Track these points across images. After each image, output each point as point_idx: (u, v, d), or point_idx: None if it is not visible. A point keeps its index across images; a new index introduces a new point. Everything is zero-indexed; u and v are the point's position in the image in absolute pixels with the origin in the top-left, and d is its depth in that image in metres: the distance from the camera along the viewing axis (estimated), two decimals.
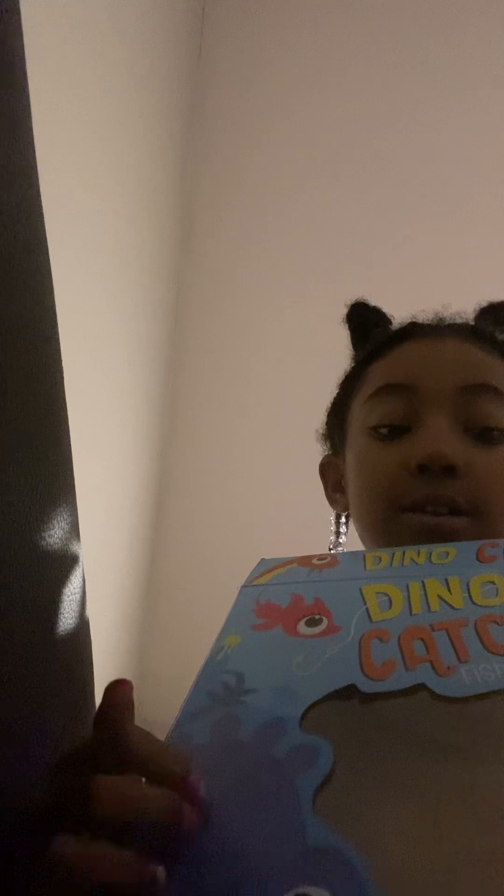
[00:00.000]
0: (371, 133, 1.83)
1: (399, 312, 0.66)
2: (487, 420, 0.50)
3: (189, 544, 2.39)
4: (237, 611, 0.38)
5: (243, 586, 0.41)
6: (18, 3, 0.29)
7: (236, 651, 0.34)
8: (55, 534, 0.37)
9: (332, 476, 0.63)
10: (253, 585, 0.40)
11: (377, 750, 0.27)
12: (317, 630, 0.34)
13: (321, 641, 0.33)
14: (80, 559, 0.43)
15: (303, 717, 0.29)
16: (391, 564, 0.39)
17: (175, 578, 2.48)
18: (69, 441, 0.39)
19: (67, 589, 0.39)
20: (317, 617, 0.35)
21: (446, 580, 0.36)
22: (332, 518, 0.63)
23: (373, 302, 0.68)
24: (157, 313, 1.72)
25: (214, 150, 1.89)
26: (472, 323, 0.61)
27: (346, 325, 0.68)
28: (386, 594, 0.36)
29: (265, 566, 0.43)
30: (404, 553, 0.40)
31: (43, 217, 0.34)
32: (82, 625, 0.43)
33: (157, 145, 1.50)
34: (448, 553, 0.39)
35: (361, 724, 0.29)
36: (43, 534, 0.35)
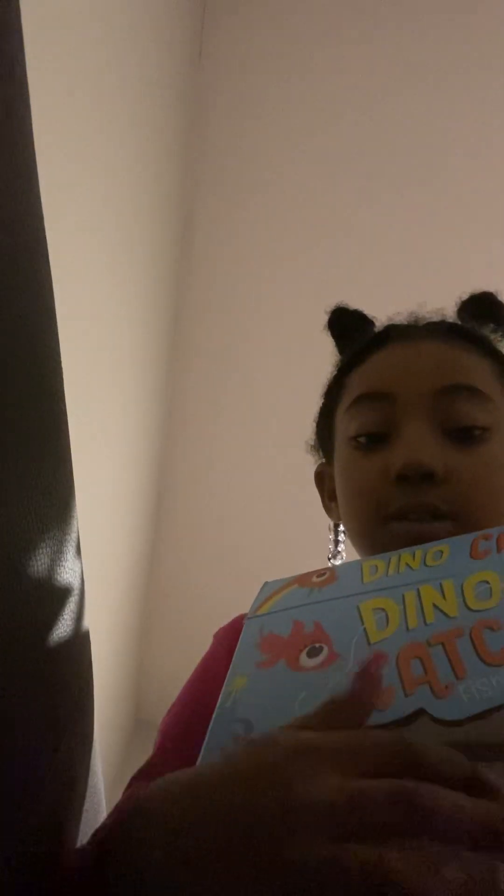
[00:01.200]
0: (372, 136, 1.83)
1: (402, 310, 0.65)
2: (466, 420, 0.49)
3: (189, 545, 2.39)
4: (243, 647, 0.39)
5: (248, 617, 0.42)
6: (18, 2, 0.29)
7: (243, 695, 0.35)
8: (54, 535, 0.37)
9: (327, 485, 0.63)
10: (257, 616, 0.41)
11: None
12: (318, 661, 0.35)
13: (323, 674, 0.34)
14: (80, 560, 0.42)
15: None
16: (387, 573, 0.40)
17: (175, 578, 2.48)
18: (69, 443, 0.39)
19: (67, 591, 0.39)
20: (317, 646, 0.36)
21: (441, 585, 0.36)
22: (330, 527, 0.63)
23: (363, 304, 0.68)
24: (157, 314, 1.72)
25: (214, 152, 1.89)
26: (452, 319, 0.61)
27: (329, 333, 0.67)
28: (383, 610, 0.36)
29: (268, 590, 0.44)
30: (399, 558, 0.41)
31: (43, 219, 0.34)
32: (81, 625, 0.43)
33: (158, 147, 1.50)
34: (442, 552, 0.39)
35: None
36: (42, 535, 0.35)
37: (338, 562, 0.63)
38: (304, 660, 0.35)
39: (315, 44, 1.77)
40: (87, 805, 0.46)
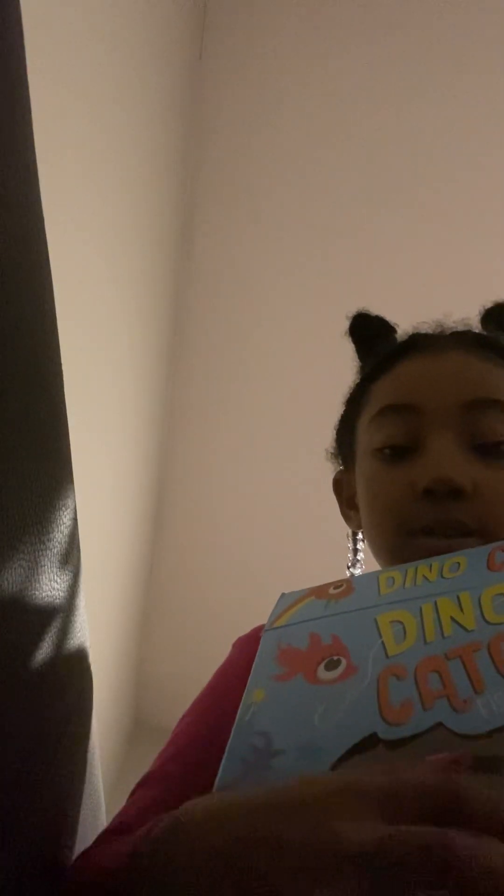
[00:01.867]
0: (372, 139, 1.83)
1: (401, 320, 0.65)
2: (494, 436, 0.49)
3: (189, 548, 2.39)
4: (262, 659, 0.39)
5: (265, 630, 0.42)
6: (19, 3, 0.29)
7: (262, 708, 0.35)
8: (54, 538, 0.37)
9: (345, 492, 0.62)
10: (274, 629, 0.42)
11: None
12: (336, 674, 0.35)
13: (341, 687, 0.34)
14: (80, 563, 0.43)
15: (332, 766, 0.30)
16: (404, 585, 0.40)
17: (174, 580, 2.48)
18: (69, 445, 0.39)
19: (66, 596, 0.39)
20: (335, 658, 0.36)
21: (458, 598, 0.36)
22: (349, 535, 0.63)
23: (376, 310, 0.67)
24: (157, 318, 1.72)
25: (214, 157, 1.89)
26: (476, 329, 0.60)
27: (350, 339, 0.67)
28: (400, 622, 0.36)
29: (285, 602, 0.44)
30: (416, 570, 0.40)
31: (43, 221, 0.34)
32: (80, 628, 0.43)
33: (157, 151, 1.50)
34: (459, 564, 0.39)
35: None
36: (42, 537, 0.35)
37: (357, 571, 0.63)
38: (322, 673, 0.36)
39: (315, 48, 1.78)
40: (86, 806, 0.46)
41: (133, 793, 0.48)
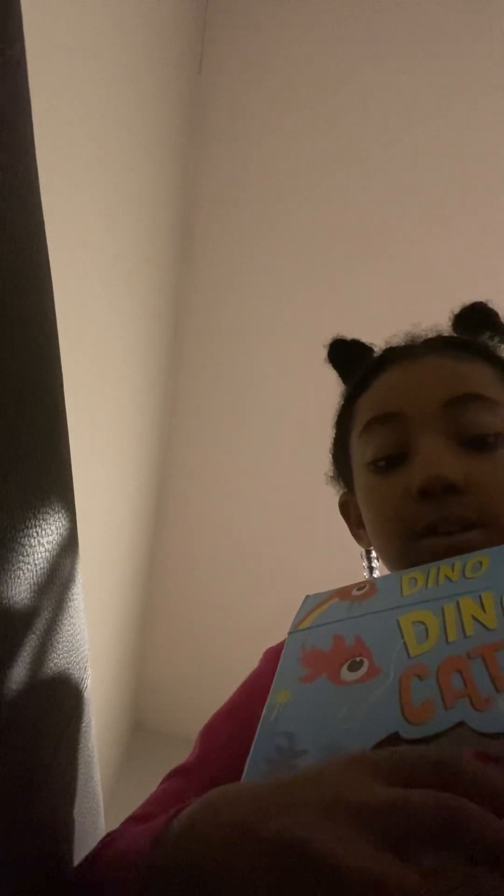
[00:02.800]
0: (371, 146, 1.84)
1: (403, 322, 0.65)
2: (478, 428, 0.50)
3: (189, 551, 2.39)
4: (286, 661, 0.40)
5: (290, 632, 0.43)
6: (20, 10, 0.30)
7: (286, 709, 0.36)
8: (53, 543, 0.37)
9: (352, 513, 0.63)
10: (298, 631, 0.42)
11: None
12: (359, 675, 0.35)
13: (363, 687, 0.34)
14: (78, 569, 0.43)
15: None
16: (426, 585, 0.40)
17: (174, 584, 2.48)
18: (68, 447, 0.39)
19: (65, 598, 0.39)
20: (358, 660, 0.36)
21: (480, 597, 0.36)
22: (363, 554, 0.64)
23: (365, 319, 0.68)
24: (156, 322, 1.72)
25: (214, 166, 1.90)
26: (448, 333, 0.61)
27: (330, 365, 0.67)
28: (422, 623, 0.37)
29: (310, 604, 0.45)
30: (439, 570, 0.41)
31: (44, 226, 0.34)
32: (79, 634, 0.43)
33: (157, 160, 1.51)
34: (481, 563, 0.39)
35: None
36: (41, 539, 0.35)
37: None
38: (345, 674, 0.36)
39: (316, 58, 1.78)
40: (85, 810, 0.46)
41: (160, 784, 0.49)
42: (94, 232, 1.15)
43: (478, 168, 1.80)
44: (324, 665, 0.37)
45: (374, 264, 1.92)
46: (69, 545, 0.40)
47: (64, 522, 0.38)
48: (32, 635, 0.35)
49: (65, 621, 0.40)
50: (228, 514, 2.28)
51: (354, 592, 0.43)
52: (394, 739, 0.30)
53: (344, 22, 1.74)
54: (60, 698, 0.40)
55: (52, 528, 0.36)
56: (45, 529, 0.35)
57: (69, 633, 0.41)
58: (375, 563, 0.62)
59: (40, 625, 0.36)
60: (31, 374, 0.33)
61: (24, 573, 0.33)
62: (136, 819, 0.43)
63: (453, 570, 0.40)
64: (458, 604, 0.37)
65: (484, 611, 0.35)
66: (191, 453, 2.24)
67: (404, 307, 0.68)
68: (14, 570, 0.32)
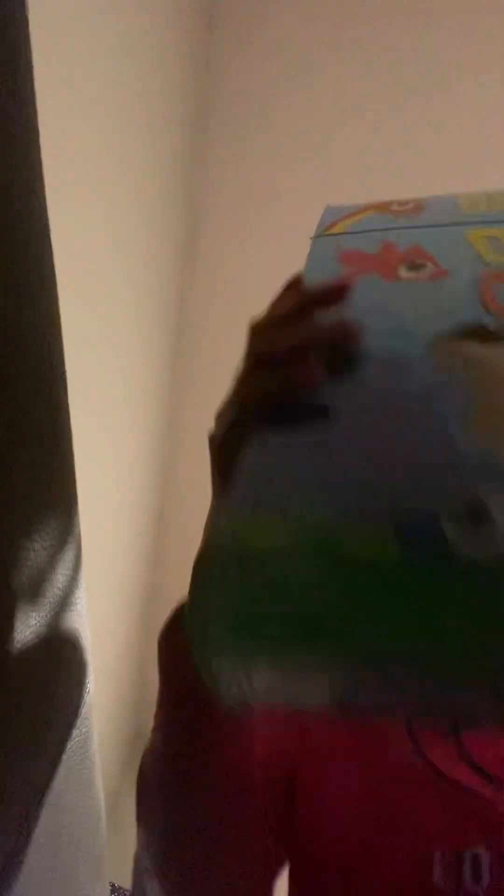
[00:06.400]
0: (376, 144, 1.84)
1: None
2: None
3: (192, 549, 2.37)
4: (315, 262, 0.32)
5: (316, 236, 0.34)
6: (27, 10, 0.30)
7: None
8: (55, 536, 0.36)
9: None
10: (328, 235, 0.33)
11: None
12: (422, 274, 0.29)
13: (431, 285, 0.28)
14: (81, 562, 0.42)
15: (429, 352, 0.25)
16: (490, 207, 0.33)
17: (177, 588, 2.46)
18: (71, 445, 0.39)
19: (67, 593, 0.39)
20: (419, 262, 0.30)
21: None
22: None
23: None
24: (161, 313, 1.73)
25: (220, 165, 1.91)
26: None
27: None
28: (498, 239, 0.30)
29: (334, 214, 0.36)
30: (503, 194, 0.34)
31: (48, 221, 0.34)
32: (81, 627, 0.43)
33: (163, 159, 1.52)
34: None
35: (498, 363, 0.24)
36: (43, 534, 0.35)
37: None
38: (403, 272, 0.29)
39: (322, 56, 1.79)
40: (87, 817, 0.45)
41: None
42: (98, 230, 1.16)
43: (490, 170, 1.81)
44: (372, 264, 0.30)
45: None
46: (71, 542, 0.39)
47: (66, 518, 0.38)
48: (33, 642, 0.34)
49: (67, 626, 0.39)
50: None
51: (395, 207, 0.35)
52: (478, 331, 0.25)
53: (351, 21, 1.75)
54: (63, 705, 0.39)
55: (54, 524, 0.36)
56: (47, 525, 0.35)
57: (72, 638, 0.40)
58: None
59: (41, 631, 0.35)
60: (32, 373, 0.32)
61: (25, 570, 0.33)
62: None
63: None
64: None
65: None
66: (197, 442, 2.23)
67: None
68: (15, 567, 0.31)
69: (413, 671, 0.20)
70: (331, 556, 0.21)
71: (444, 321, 0.26)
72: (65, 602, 0.39)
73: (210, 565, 0.23)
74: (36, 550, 0.34)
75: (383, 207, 0.35)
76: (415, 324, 0.26)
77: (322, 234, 0.34)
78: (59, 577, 0.37)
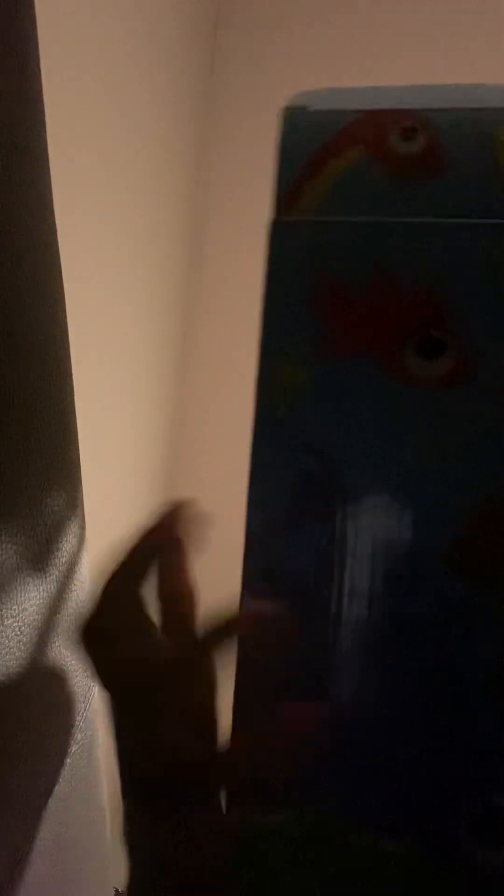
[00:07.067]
0: None
1: None
2: None
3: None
4: (273, 294, 0.22)
5: (271, 221, 0.23)
6: (34, 14, 0.30)
7: (306, 404, 0.21)
8: (62, 546, 0.36)
9: None
10: (293, 223, 0.22)
11: None
12: (446, 365, 0.20)
13: (453, 393, 0.20)
14: (86, 569, 0.42)
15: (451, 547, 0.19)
16: None
17: None
18: (77, 451, 0.39)
19: (72, 600, 0.39)
20: (434, 335, 0.20)
21: None
22: None
23: None
24: (166, 316, 1.73)
25: (225, 166, 1.91)
26: None
27: None
28: None
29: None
30: None
31: (55, 224, 0.34)
32: None
33: (169, 162, 1.52)
34: None
35: None
36: (50, 546, 0.35)
37: None
38: (411, 363, 0.20)
39: (328, 59, 1.79)
40: (90, 818, 0.45)
41: None
42: (103, 232, 1.16)
43: None
44: (364, 330, 0.20)
45: None
46: (78, 549, 0.39)
47: (73, 525, 0.38)
48: (41, 643, 0.34)
49: (72, 622, 0.39)
50: (238, 513, 2.27)
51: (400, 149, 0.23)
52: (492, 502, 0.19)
53: (357, 23, 1.75)
54: (67, 706, 0.39)
55: (61, 532, 0.36)
56: (54, 533, 0.35)
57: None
58: None
59: (48, 630, 0.35)
60: (39, 377, 0.32)
61: (31, 578, 0.32)
62: None
63: None
64: None
65: None
66: (203, 451, 2.23)
67: None
68: (19, 574, 0.31)
69: None
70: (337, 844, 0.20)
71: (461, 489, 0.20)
72: (69, 601, 0.38)
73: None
74: (38, 546, 0.34)
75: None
76: (420, 484, 0.20)
77: (283, 219, 0.23)
78: (64, 574, 0.37)
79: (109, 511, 1.50)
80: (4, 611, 0.30)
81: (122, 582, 0.26)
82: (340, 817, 0.19)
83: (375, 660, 0.20)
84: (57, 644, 0.37)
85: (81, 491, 0.40)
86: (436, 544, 0.19)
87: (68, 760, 0.40)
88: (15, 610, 0.31)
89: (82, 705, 0.42)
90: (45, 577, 0.34)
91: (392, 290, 0.20)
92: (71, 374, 0.37)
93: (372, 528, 0.20)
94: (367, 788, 0.20)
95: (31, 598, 0.33)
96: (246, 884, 0.20)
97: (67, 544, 0.37)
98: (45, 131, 0.32)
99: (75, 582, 0.39)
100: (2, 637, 0.30)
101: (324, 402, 0.21)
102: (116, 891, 0.55)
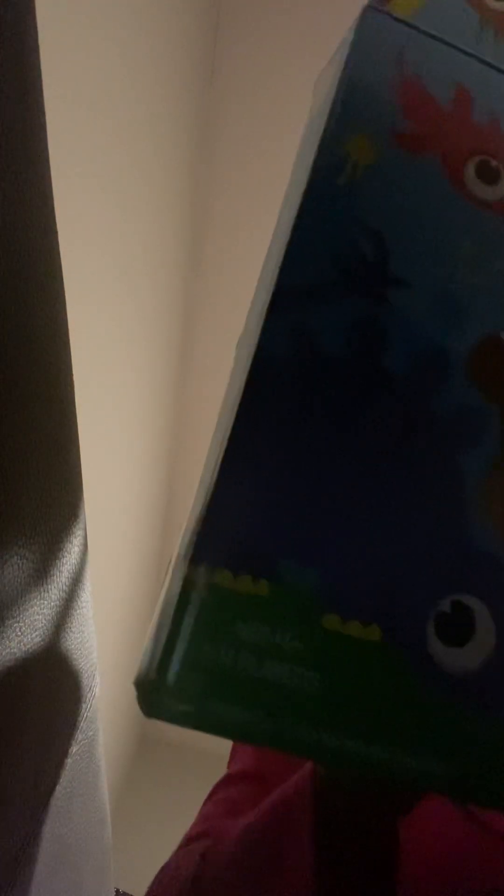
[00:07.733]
0: None
1: None
2: None
3: None
4: (360, 68, 0.22)
5: (367, 6, 0.23)
6: (34, 12, 0.30)
7: (368, 180, 0.20)
8: (63, 547, 0.36)
9: None
10: (390, 16, 0.23)
11: None
12: (496, 194, 0.21)
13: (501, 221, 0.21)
14: (88, 576, 0.42)
15: (470, 357, 0.20)
16: None
17: None
18: (78, 453, 0.39)
19: (73, 606, 0.39)
20: (494, 164, 0.21)
21: None
22: None
23: None
24: (166, 317, 1.73)
25: (225, 172, 1.91)
26: None
27: None
28: None
29: None
30: None
31: (56, 231, 0.34)
32: (88, 642, 0.43)
33: (169, 165, 1.52)
34: None
35: None
36: (52, 547, 0.35)
37: None
38: (472, 183, 0.21)
39: (328, 56, 1.79)
40: (92, 819, 0.45)
41: (212, 796, 0.46)
42: (104, 239, 1.16)
43: None
44: (438, 138, 0.21)
45: None
46: (79, 551, 0.39)
47: (73, 528, 0.38)
48: (40, 644, 0.34)
49: (73, 629, 0.39)
50: None
51: (493, 3, 0.23)
52: None
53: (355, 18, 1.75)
54: (69, 706, 0.39)
55: (62, 533, 0.36)
56: (55, 534, 0.35)
57: (78, 641, 0.40)
58: None
59: (48, 633, 0.35)
60: (40, 381, 0.32)
61: (32, 579, 0.33)
62: (191, 839, 0.39)
63: None
64: None
65: None
66: (203, 450, 2.23)
67: None
68: (21, 576, 0.31)
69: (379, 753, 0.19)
70: (312, 624, 0.20)
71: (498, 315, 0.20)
72: (71, 604, 0.39)
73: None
74: (40, 549, 0.34)
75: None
76: (468, 297, 0.20)
77: (382, 7, 0.23)
78: (65, 576, 0.37)
79: (109, 511, 1.50)
80: (5, 612, 0.30)
81: None
82: (318, 596, 0.19)
83: (388, 447, 0.20)
84: (58, 644, 0.37)
85: (82, 493, 0.40)
86: (461, 349, 0.20)
87: (69, 761, 0.40)
88: (16, 611, 0.31)
89: (83, 706, 0.42)
90: (46, 578, 0.34)
91: (466, 115, 0.22)
92: (72, 377, 0.37)
93: (409, 320, 0.20)
94: (347, 568, 0.20)
95: (33, 598, 0.33)
96: (214, 662, 0.19)
97: (69, 546, 0.37)
98: (45, 132, 0.32)
99: (77, 583, 0.39)
100: (3, 637, 0.30)
101: (387, 185, 0.21)
102: (117, 891, 0.55)
